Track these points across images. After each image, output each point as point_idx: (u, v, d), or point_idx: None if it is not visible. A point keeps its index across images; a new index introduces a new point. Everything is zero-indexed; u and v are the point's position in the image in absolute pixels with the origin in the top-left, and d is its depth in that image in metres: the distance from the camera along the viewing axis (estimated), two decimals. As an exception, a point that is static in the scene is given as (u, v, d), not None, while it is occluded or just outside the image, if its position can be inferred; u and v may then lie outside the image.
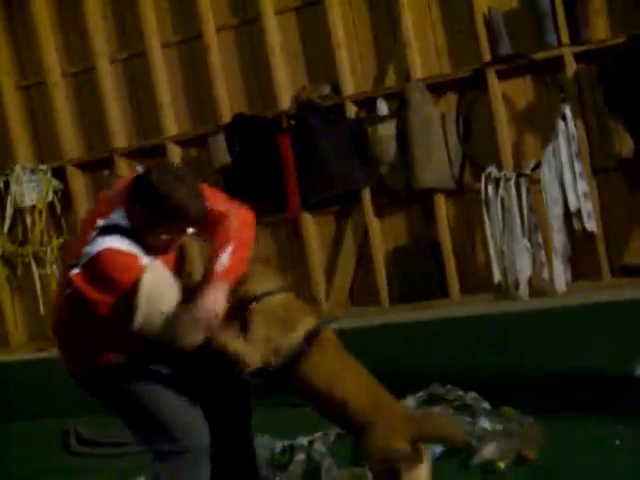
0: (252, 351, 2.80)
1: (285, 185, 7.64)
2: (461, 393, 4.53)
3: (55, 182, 8.80)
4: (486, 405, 4.30)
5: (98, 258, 2.97)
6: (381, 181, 7.51)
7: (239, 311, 2.95)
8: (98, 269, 2.97)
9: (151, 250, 3.08)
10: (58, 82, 8.85)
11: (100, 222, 3.07)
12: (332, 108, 7.63)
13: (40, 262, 8.87)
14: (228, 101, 8.06)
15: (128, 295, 2.91)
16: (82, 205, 8.81)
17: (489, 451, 3.73)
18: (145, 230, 3.04)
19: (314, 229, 7.87)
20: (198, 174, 8.02)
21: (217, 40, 8.09)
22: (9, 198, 8.78)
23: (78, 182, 8.83)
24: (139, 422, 3.07)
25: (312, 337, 2.86)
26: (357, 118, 7.59)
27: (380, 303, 7.62)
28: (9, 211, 8.82)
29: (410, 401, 4.63)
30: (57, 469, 4.92)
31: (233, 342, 2.85)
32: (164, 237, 3.07)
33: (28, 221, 8.83)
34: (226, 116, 7.99)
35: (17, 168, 8.77)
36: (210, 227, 3.21)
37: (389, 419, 2.76)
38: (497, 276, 7.00)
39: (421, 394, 4.68)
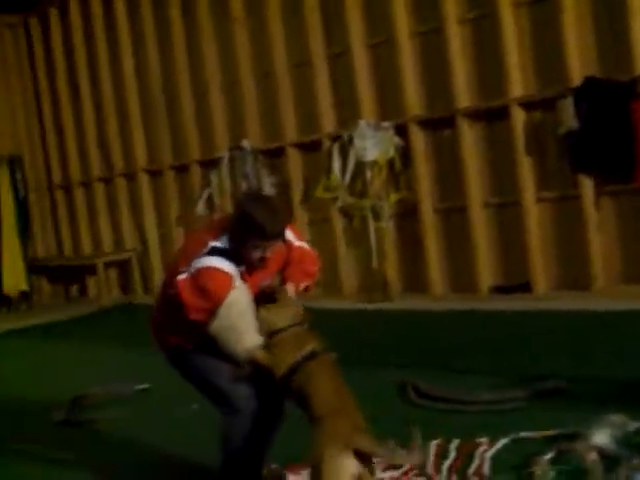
0: (278, 365, 3.67)
1: (635, 155, 7.26)
2: None
3: (396, 139, 9.00)
4: None
5: (202, 272, 3.62)
6: None
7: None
8: (199, 280, 3.61)
9: (249, 267, 3.72)
10: (406, 41, 9.00)
11: (211, 243, 3.68)
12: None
13: (376, 216, 9.15)
14: (579, 63, 7.76)
15: (214, 305, 3.62)
16: (422, 163, 8.95)
17: None
18: (241, 249, 3.67)
19: (664, 204, 7.43)
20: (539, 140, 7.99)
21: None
22: (352, 152, 9.10)
23: (419, 140, 8.97)
24: (208, 391, 3.94)
25: (311, 357, 3.65)
26: None
27: None
28: (351, 165, 9.14)
29: None
30: (393, 417, 5.04)
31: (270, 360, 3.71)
32: (255, 254, 3.66)
33: (368, 175, 9.12)
34: (576, 79, 7.70)
35: (361, 123, 9.05)
36: (292, 263, 3.99)
37: (337, 423, 3.38)
38: None
39: None
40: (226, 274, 3.61)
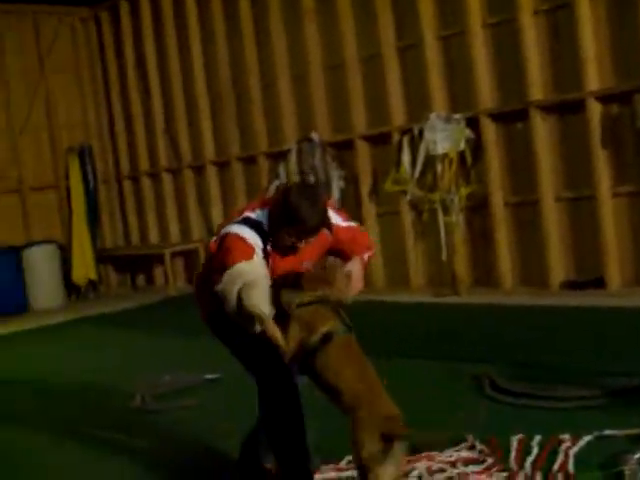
0: (285, 342, 3.62)
1: None
2: None
3: (467, 132, 8.90)
4: None
5: (226, 236, 3.72)
6: None
7: (283, 314, 3.70)
8: (223, 244, 3.72)
9: (282, 250, 3.76)
10: (478, 32, 8.90)
11: (246, 213, 3.79)
12: None
13: (446, 209, 9.07)
14: (658, 55, 7.61)
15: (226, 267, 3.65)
16: (493, 156, 8.84)
17: None
18: (276, 231, 3.71)
19: None
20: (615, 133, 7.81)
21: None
22: (422, 145, 9.02)
23: (490, 133, 8.87)
24: (247, 360, 3.94)
25: (326, 339, 3.58)
26: None
27: None
28: (421, 158, 9.07)
29: None
30: (469, 408, 5.03)
31: (277, 333, 3.63)
32: (289, 239, 3.71)
33: (438, 169, 9.03)
34: (655, 72, 7.55)
35: (432, 116, 8.97)
36: (345, 242, 3.99)
37: (371, 413, 3.35)
38: None
39: None
40: (248, 245, 3.67)
